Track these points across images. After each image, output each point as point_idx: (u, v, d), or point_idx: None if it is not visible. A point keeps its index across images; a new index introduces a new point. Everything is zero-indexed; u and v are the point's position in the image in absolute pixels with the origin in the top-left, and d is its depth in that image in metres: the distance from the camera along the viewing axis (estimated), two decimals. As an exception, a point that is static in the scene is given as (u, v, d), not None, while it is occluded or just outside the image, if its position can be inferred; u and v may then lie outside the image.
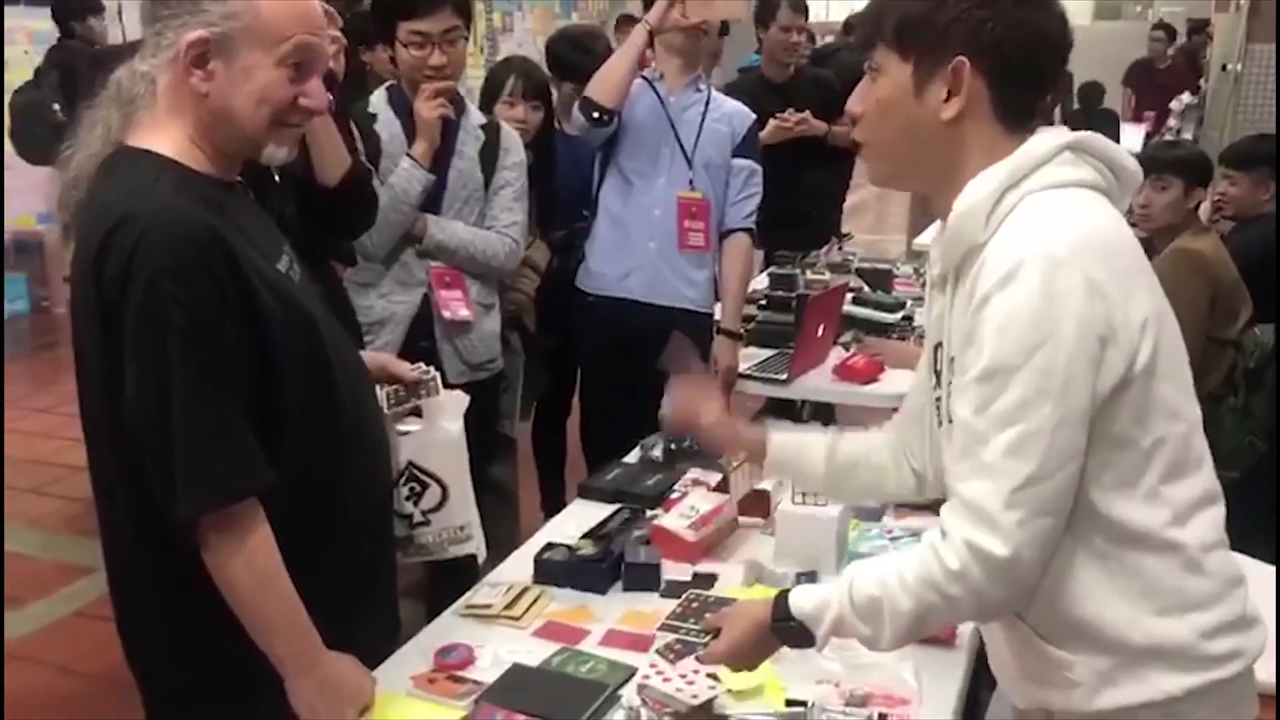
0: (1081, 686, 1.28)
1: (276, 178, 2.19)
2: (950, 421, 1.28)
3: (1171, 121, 9.26)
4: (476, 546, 1.92)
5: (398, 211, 2.62)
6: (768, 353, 3.30)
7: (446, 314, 2.73)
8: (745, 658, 1.46)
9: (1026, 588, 1.24)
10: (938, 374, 1.36)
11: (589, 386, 3.41)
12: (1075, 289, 1.16)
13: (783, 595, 1.38)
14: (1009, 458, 1.17)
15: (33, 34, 7.21)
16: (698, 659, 1.57)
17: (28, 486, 4.55)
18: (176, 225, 1.41)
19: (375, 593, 1.74)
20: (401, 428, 1.85)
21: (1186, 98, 9.43)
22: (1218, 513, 1.31)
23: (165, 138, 1.50)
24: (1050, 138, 1.27)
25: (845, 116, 1.34)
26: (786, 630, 1.37)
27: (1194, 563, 1.25)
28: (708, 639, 1.52)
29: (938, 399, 1.36)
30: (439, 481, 1.87)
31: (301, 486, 1.54)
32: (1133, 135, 8.01)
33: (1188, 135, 8.99)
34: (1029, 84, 1.28)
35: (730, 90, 4.41)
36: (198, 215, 1.43)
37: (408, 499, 1.86)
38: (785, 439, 1.66)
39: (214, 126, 1.50)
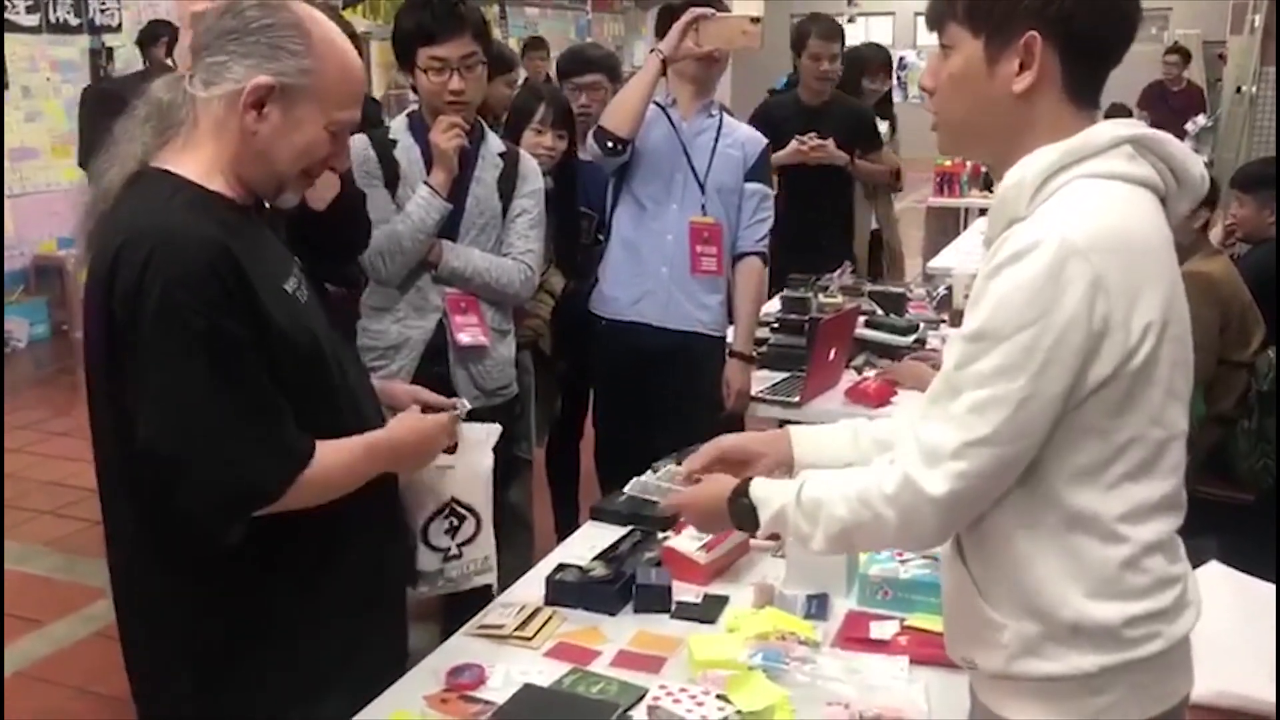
0: (1006, 650, 1.31)
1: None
2: None
3: (1186, 144, 9.26)
4: (492, 576, 1.96)
5: (414, 240, 2.65)
6: (780, 376, 3.32)
7: (461, 339, 2.75)
8: (696, 514, 1.63)
9: (944, 532, 1.33)
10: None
11: (602, 409, 3.43)
12: (1080, 280, 1.19)
13: (748, 479, 1.51)
14: (972, 414, 1.23)
15: (57, 62, 7.33)
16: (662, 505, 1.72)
17: (48, 509, 4.60)
18: (187, 239, 1.46)
19: (380, 616, 1.76)
20: (438, 462, 1.86)
21: (1201, 120, 9.44)
22: (1173, 523, 1.32)
23: (193, 160, 1.55)
24: (1114, 128, 1.29)
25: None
26: (738, 506, 1.48)
27: (1134, 559, 1.28)
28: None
29: None
30: (475, 514, 1.91)
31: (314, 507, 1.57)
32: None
33: (1203, 158, 8.99)
34: (1099, 57, 1.30)
35: (767, 108, 4.44)
36: (208, 231, 1.48)
37: (446, 532, 1.88)
38: (806, 435, 1.68)
39: (250, 163, 1.56)
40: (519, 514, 3.22)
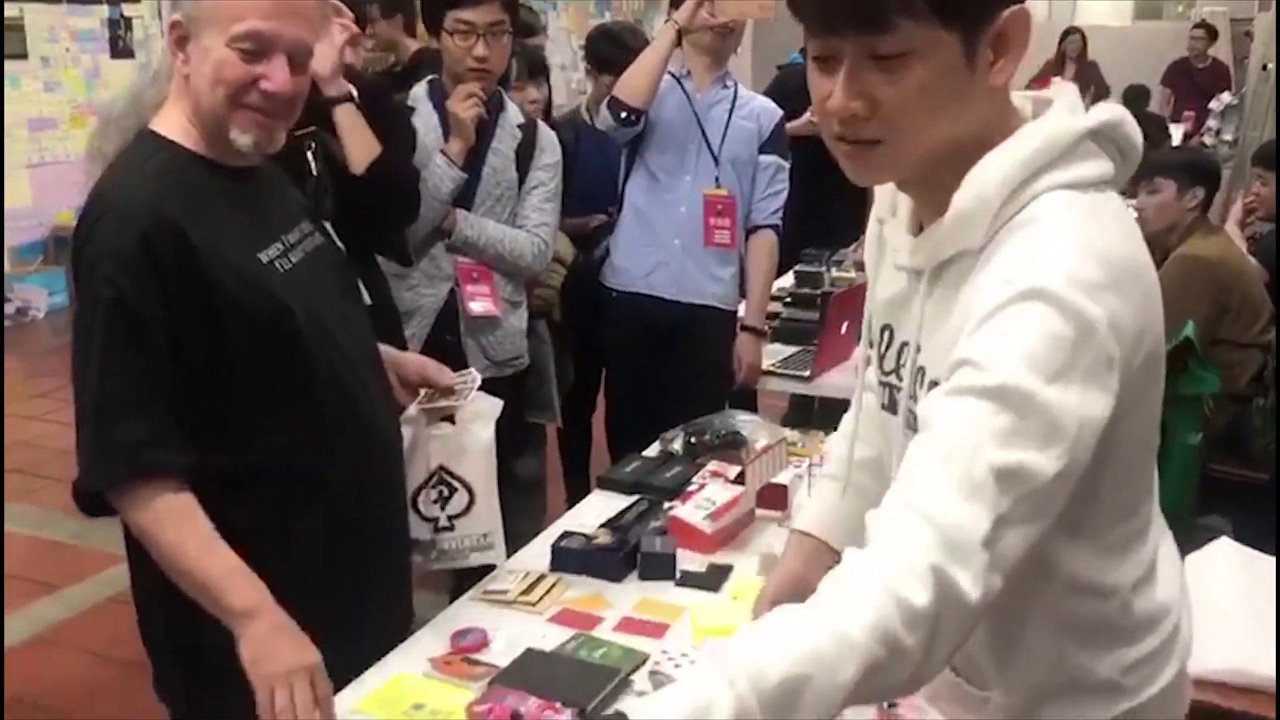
0: (993, 715, 1.23)
1: (314, 171, 2.24)
2: (909, 422, 1.17)
3: (1211, 122, 9.16)
4: (497, 556, 1.95)
5: (429, 208, 2.65)
6: (791, 349, 3.32)
7: (472, 309, 2.76)
8: None
9: (950, 658, 1.00)
10: (893, 363, 1.24)
11: (614, 381, 3.43)
12: (1099, 326, 1.00)
13: (614, 717, 1.11)
14: (999, 483, 0.97)
15: (76, 32, 7.34)
16: None
17: (63, 476, 4.64)
18: (129, 207, 1.51)
19: (381, 581, 1.78)
20: (435, 431, 1.88)
21: (1226, 97, 9.33)
22: (1150, 543, 1.22)
23: (172, 117, 1.61)
24: (1070, 122, 1.10)
25: (840, 112, 1.10)
26: None
27: (1126, 604, 1.19)
28: None
29: (890, 386, 1.25)
30: (467, 487, 1.90)
31: (279, 469, 1.61)
32: (1172, 136, 7.93)
33: (1228, 136, 8.89)
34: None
35: (781, 79, 4.41)
36: (158, 205, 1.52)
37: (435, 502, 1.89)
38: (819, 524, 1.48)
39: (194, 108, 1.59)
40: (531, 484, 3.23)
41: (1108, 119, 1.12)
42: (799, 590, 1.36)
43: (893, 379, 1.24)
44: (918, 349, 1.16)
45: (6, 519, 4.35)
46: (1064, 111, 1.12)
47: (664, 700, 0.96)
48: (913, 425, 1.13)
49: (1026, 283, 1.00)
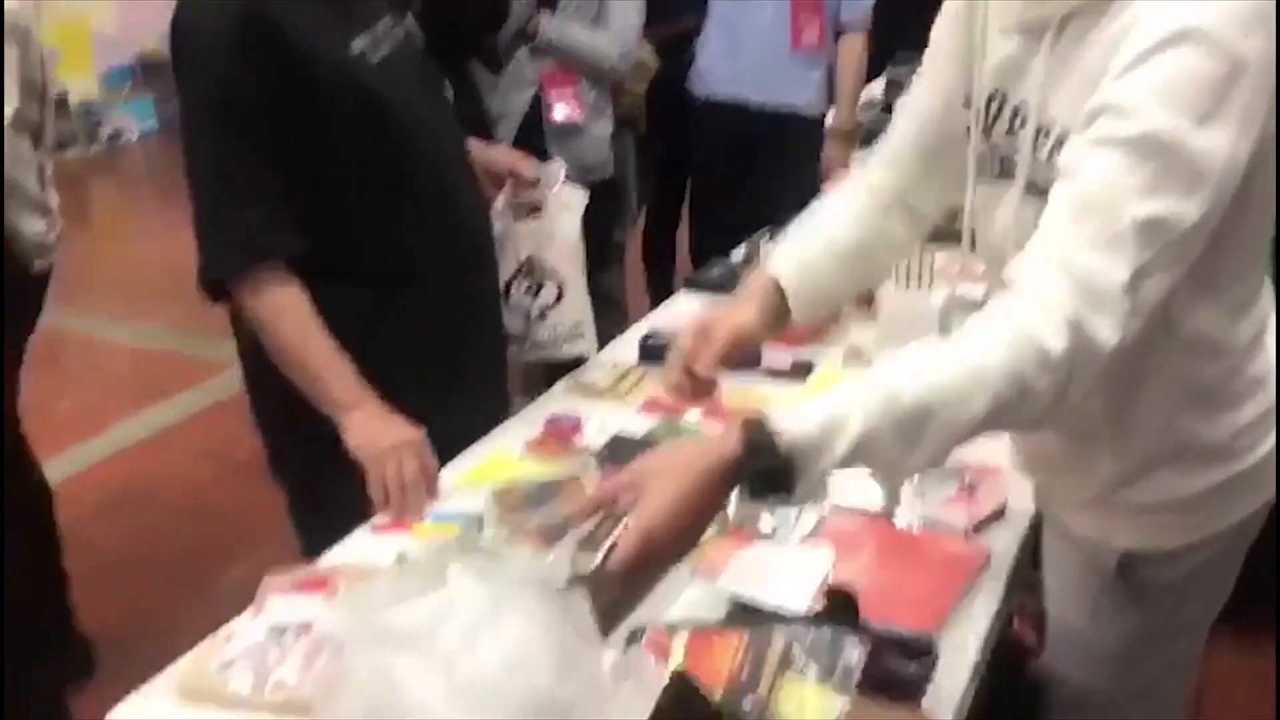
0: (1097, 483, 1.26)
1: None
2: (1030, 188, 1.16)
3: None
4: (589, 346, 2.00)
5: (517, 3, 2.61)
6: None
7: (557, 115, 2.75)
8: (681, 535, 0.99)
9: (1078, 400, 1.02)
10: (1005, 129, 1.21)
11: (698, 190, 3.41)
12: (1250, 65, 0.98)
13: (756, 421, 0.99)
14: (1141, 234, 0.98)
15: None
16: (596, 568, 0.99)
17: (167, 291, 4.80)
18: (223, 6, 1.52)
19: (479, 366, 1.84)
20: (523, 224, 1.91)
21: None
22: (1262, 304, 1.23)
23: None
24: None
25: None
26: (761, 461, 0.98)
27: (1238, 367, 1.20)
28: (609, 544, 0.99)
29: (1001, 154, 1.22)
30: (557, 278, 1.93)
31: (377, 261, 1.65)
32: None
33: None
34: None
35: None
36: None
37: (526, 293, 1.93)
38: (789, 277, 1.36)
39: None
40: (613, 297, 3.25)
41: None
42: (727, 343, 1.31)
43: (1005, 146, 1.22)
44: (1037, 107, 1.14)
45: (114, 332, 4.55)
46: None
47: (803, 411, 0.99)
48: (1035, 190, 1.13)
49: (1175, 24, 0.98)
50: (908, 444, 0.98)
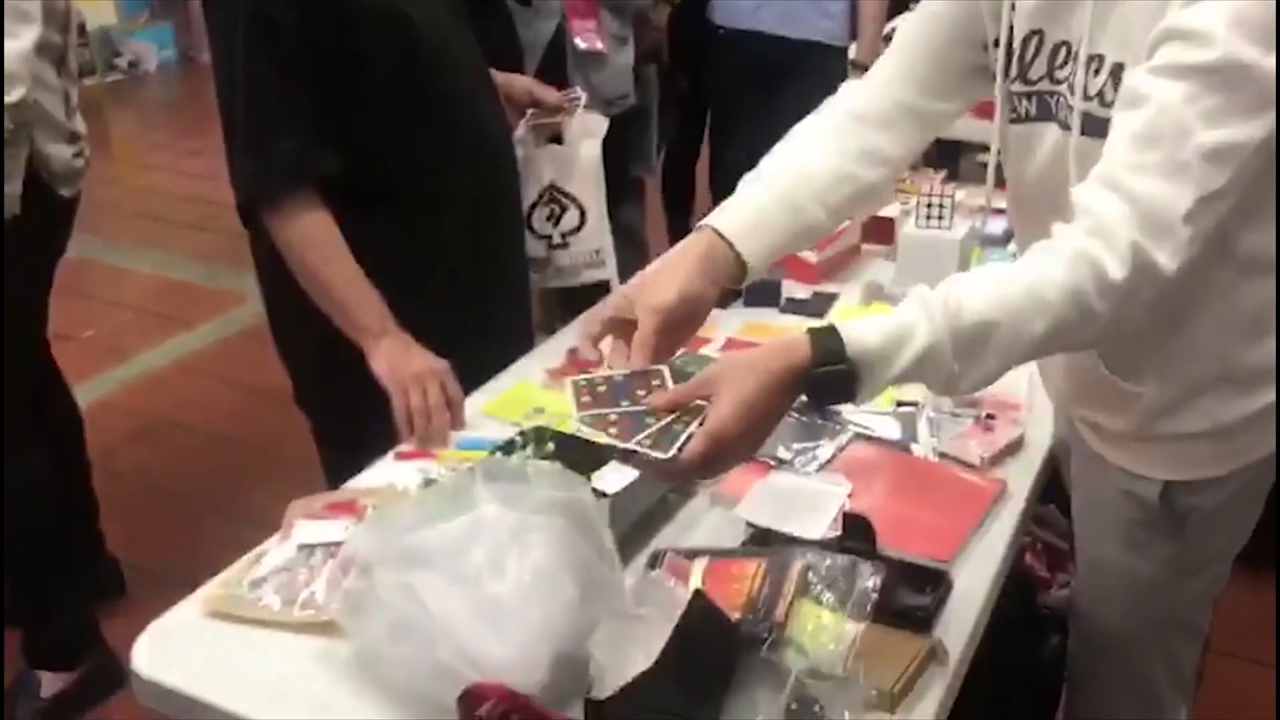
0: (1139, 414, 1.26)
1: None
2: (1083, 127, 1.15)
3: None
4: (610, 273, 2.00)
5: None
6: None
7: (579, 44, 2.73)
8: (748, 436, 1.03)
9: (1128, 324, 1.06)
10: (1045, 69, 1.20)
11: (718, 123, 3.39)
12: None
13: (824, 330, 1.02)
14: (1207, 162, 1.00)
15: None
16: (678, 466, 1.03)
17: (189, 222, 4.83)
18: None
19: (504, 293, 1.85)
20: (545, 150, 1.91)
21: None
22: None
23: None
24: None
25: None
26: (828, 379, 1.01)
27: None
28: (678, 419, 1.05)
29: (1041, 95, 1.22)
30: (578, 204, 1.94)
31: (404, 186, 1.66)
32: None
33: None
34: None
35: None
36: None
37: (548, 219, 1.93)
38: (736, 229, 1.24)
39: None
40: (632, 232, 3.25)
41: None
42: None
43: (1047, 84, 1.21)
44: (1087, 43, 1.13)
45: (137, 261, 4.58)
46: None
47: (870, 322, 1.03)
48: (1089, 129, 1.13)
49: None
50: (968, 360, 1.01)
